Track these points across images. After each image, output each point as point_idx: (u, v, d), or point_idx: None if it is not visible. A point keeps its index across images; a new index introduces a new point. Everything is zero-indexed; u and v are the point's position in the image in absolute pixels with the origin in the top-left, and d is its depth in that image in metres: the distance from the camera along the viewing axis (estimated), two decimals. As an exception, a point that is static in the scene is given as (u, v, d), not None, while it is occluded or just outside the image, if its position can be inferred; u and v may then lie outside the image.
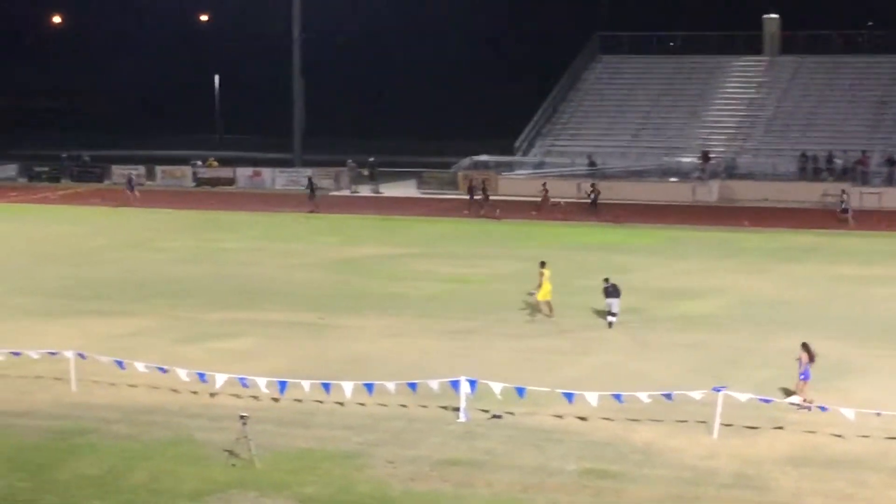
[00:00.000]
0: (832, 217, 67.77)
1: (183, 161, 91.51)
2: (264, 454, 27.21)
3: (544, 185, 73.82)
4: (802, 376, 30.84)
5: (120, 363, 32.93)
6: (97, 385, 32.91)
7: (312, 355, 36.33)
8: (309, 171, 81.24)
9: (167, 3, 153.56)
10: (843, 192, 69.83)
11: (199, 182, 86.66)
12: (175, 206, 74.46)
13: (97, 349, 34.20)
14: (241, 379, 31.64)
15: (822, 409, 29.07)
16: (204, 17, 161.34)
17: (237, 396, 31.28)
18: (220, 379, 31.73)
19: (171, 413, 30.93)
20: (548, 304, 41.71)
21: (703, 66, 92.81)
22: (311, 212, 71.66)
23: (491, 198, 72.90)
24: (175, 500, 25.25)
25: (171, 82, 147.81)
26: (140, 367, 32.68)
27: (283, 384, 31.41)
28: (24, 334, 37.42)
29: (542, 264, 41.88)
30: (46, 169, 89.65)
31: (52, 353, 33.71)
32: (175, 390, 32.25)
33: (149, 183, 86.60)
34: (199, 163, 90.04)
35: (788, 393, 31.19)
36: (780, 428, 29.12)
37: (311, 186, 74.90)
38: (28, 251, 56.62)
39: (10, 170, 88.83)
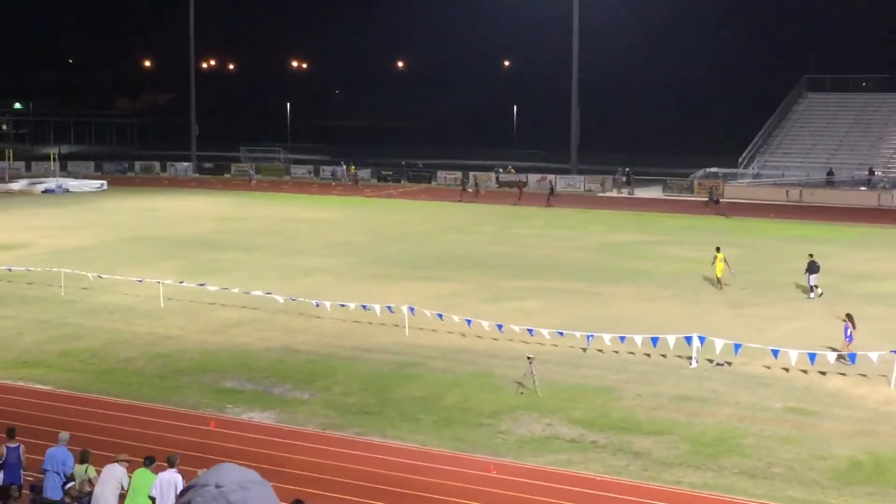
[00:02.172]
0: None
1: (489, 168, 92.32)
2: (544, 386, 27.42)
3: None
4: (848, 339, 29.83)
5: (440, 315, 33.59)
6: (423, 331, 33.63)
7: (582, 314, 36.35)
8: (551, 176, 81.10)
9: (479, 51, 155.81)
10: None
11: (500, 184, 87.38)
12: (482, 202, 75.26)
13: (424, 305, 34.94)
14: (530, 330, 31.91)
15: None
16: (507, 62, 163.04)
17: (526, 342, 31.52)
18: (515, 328, 32.08)
19: (477, 353, 31.40)
20: (719, 280, 41.17)
21: (890, 102, 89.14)
22: (548, 206, 72.05)
23: (721, 200, 71.73)
24: (478, 417, 25.67)
25: (481, 109, 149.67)
26: (455, 318, 33.26)
27: (560, 333, 31.58)
28: (373, 292, 38.49)
29: (718, 249, 41.63)
30: (390, 172, 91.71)
31: (390, 308, 34.68)
32: (479, 336, 32.72)
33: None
34: (501, 170, 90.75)
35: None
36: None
37: (551, 188, 75.89)
38: (376, 233, 58.09)
39: (365, 173, 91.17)
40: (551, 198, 73.64)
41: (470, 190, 77.85)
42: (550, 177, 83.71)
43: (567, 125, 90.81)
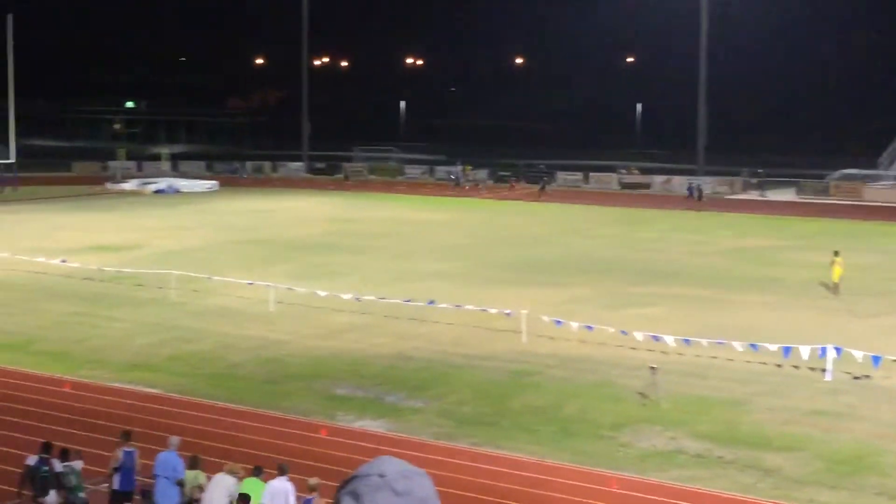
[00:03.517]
0: None
1: (610, 169, 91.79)
2: (668, 397, 27.11)
3: None
4: None
5: (558, 322, 33.43)
6: (541, 338, 33.49)
7: (708, 321, 35.83)
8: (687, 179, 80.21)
9: (601, 48, 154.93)
10: None
11: (623, 186, 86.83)
12: (603, 204, 74.83)
13: (542, 311, 34.81)
14: (655, 337, 31.60)
15: None
16: (630, 59, 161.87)
17: (650, 351, 31.23)
18: (638, 336, 31.78)
19: (597, 362, 31.18)
20: (836, 285, 40.54)
21: None
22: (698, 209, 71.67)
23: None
24: (598, 429, 25.49)
25: (602, 107, 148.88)
26: (573, 325, 33.07)
27: (686, 341, 31.20)
28: (488, 297, 38.40)
29: (836, 253, 41.23)
30: (508, 173, 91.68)
31: (508, 313, 34.62)
32: (601, 344, 32.48)
33: (584, 185, 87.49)
34: (623, 171, 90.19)
35: None
36: None
37: (699, 192, 75.26)
38: (491, 236, 58.12)
39: (482, 174, 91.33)
40: (698, 200, 73.93)
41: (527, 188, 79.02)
42: (695, 181, 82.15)
43: (693, 124, 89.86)
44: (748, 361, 30.56)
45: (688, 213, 69.84)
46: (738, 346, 30.47)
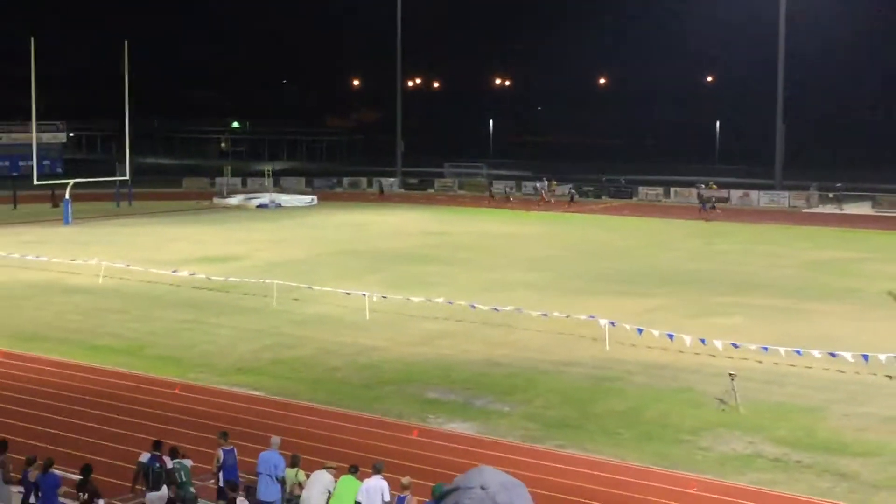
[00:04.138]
0: None
1: (689, 184, 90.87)
2: (747, 403, 26.76)
3: None
4: None
5: (640, 330, 33.20)
6: (623, 346, 33.27)
7: (787, 331, 35.28)
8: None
9: (682, 67, 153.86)
10: None
11: (702, 200, 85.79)
12: (684, 217, 74.06)
13: (625, 320, 34.57)
14: (734, 344, 31.24)
15: None
16: (710, 78, 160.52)
17: (729, 358, 30.87)
18: (717, 344, 31.44)
19: (677, 369, 30.90)
20: None
21: None
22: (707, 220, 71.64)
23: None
24: (678, 433, 25.25)
25: (683, 125, 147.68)
26: (654, 333, 32.81)
27: (764, 349, 30.78)
28: (573, 307, 38.22)
29: None
30: (591, 188, 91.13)
31: (591, 318, 34.49)
32: (681, 352, 32.17)
33: (665, 200, 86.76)
34: (703, 185, 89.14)
35: None
36: None
37: (703, 200, 75.53)
38: (576, 248, 57.87)
39: (566, 189, 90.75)
40: (711, 210, 73.31)
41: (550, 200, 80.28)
42: (705, 192, 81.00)
43: (771, 140, 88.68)
44: (825, 369, 30.05)
45: (758, 227, 68.84)
46: (816, 353, 29.99)
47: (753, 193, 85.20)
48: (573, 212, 78.55)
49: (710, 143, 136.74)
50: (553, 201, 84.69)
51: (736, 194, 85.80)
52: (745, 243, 60.17)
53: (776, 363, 30.62)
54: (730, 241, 60.87)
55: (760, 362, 30.72)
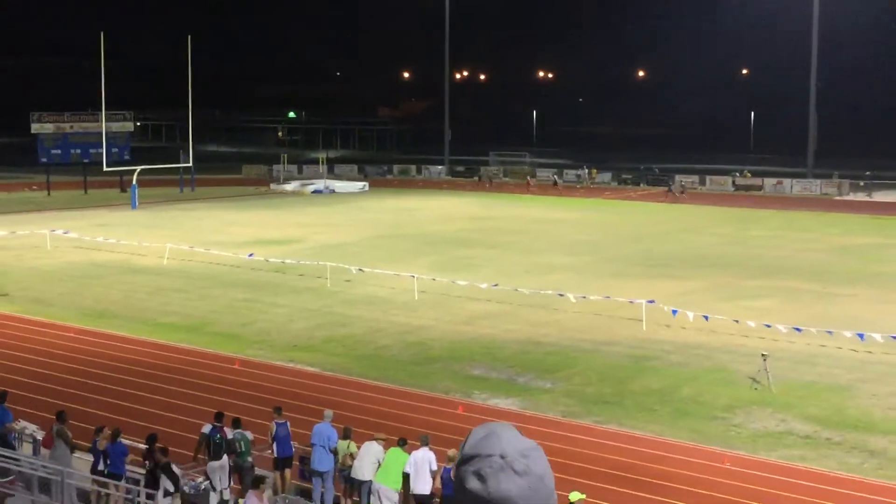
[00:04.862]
0: None
1: (724, 173, 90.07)
2: (779, 382, 26.54)
3: None
4: None
5: (674, 311, 33.00)
6: (659, 326, 33.12)
7: (818, 313, 34.91)
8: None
9: (717, 61, 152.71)
10: None
11: (737, 188, 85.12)
12: (718, 205, 73.53)
13: (661, 301, 34.38)
14: (767, 325, 30.98)
15: None
16: (745, 70, 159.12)
17: (761, 339, 30.62)
18: (750, 324, 31.18)
19: (712, 349, 30.70)
20: None
21: None
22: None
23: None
24: (712, 410, 25.12)
25: (718, 115, 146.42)
26: (689, 314, 32.58)
27: (798, 329, 30.51)
28: (612, 289, 38.07)
29: None
30: (630, 176, 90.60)
31: (631, 302, 34.35)
32: (715, 332, 31.97)
33: (700, 188, 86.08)
34: (738, 174, 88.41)
35: None
36: None
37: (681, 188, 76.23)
38: (615, 233, 57.57)
39: (606, 176, 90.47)
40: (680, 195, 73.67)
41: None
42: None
43: (804, 130, 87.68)
44: (855, 350, 29.72)
45: (790, 213, 68.12)
46: (847, 334, 29.67)
47: (787, 181, 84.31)
48: (592, 197, 78.16)
49: (745, 133, 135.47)
50: (592, 187, 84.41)
51: (770, 182, 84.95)
52: (777, 229, 59.59)
53: (807, 344, 30.32)
54: (762, 227, 60.31)
55: (792, 343, 30.42)
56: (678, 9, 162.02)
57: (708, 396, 26.11)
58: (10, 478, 18.27)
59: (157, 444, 18.64)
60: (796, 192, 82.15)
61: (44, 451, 20.04)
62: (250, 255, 44.57)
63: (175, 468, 18.26)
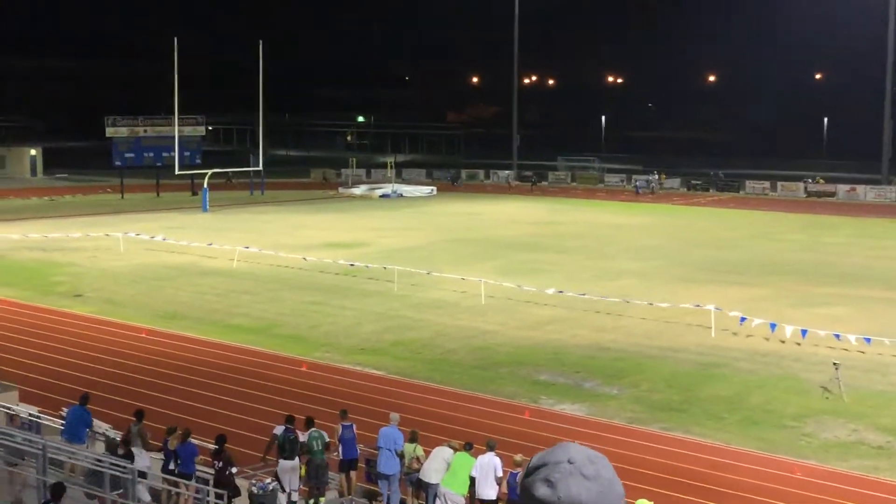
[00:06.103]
0: None
1: (797, 179, 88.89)
2: (851, 392, 26.13)
3: None
4: None
5: (742, 318, 32.64)
6: (727, 333, 32.78)
7: (890, 322, 34.30)
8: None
9: (791, 64, 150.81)
10: None
11: (809, 194, 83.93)
12: (790, 211, 72.57)
13: (729, 308, 34.04)
14: (836, 334, 30.52)
15: None
16: (818, 75, 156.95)
17: (831, 348, 30.18)
18: (820, 333, 30.74)
19: (781, 357, 30.31)
20: None
21: None
22: None
23: None
24: (782, 419, 24.79)
25: (791, 121, 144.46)
26: (756, 321, 32.22)
27: (867, 340, 30.00)
28: (679, 295, 37.79)
29: None
30: (700, 182, 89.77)
31: (697, 306, 34.01)
32: (782, 341, 31.56)
33: (772, 193, 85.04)
34: (810, 180, 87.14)
35: None
36: None
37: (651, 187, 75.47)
38: (683, 238, 57.06)
39: (674, 182, 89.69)
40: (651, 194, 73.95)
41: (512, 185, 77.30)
42: (642, 178, 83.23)
43: (879, 137, 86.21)
44: (929, 361, 29.16)
45: (864, 220, 66.94)
46: (920, 345, 29.15)
47: (860, 188, 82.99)
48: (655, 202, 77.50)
49: (818, 139, 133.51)
50: (660, 193, 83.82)
51: (843, 189, 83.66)
52: (850, 236, 58.67)
53: (880, 353, 29.80)
54: (835, 234, 59.41)
55: (863, 352, 29.93)
56: (750, 12, 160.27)
57: (777, 405, 25.78)
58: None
59: (226, 445, 18.84)
60: (870, 199, 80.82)
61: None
62: (302, 257, 44.94)
63: (233, 469, 18.48)
